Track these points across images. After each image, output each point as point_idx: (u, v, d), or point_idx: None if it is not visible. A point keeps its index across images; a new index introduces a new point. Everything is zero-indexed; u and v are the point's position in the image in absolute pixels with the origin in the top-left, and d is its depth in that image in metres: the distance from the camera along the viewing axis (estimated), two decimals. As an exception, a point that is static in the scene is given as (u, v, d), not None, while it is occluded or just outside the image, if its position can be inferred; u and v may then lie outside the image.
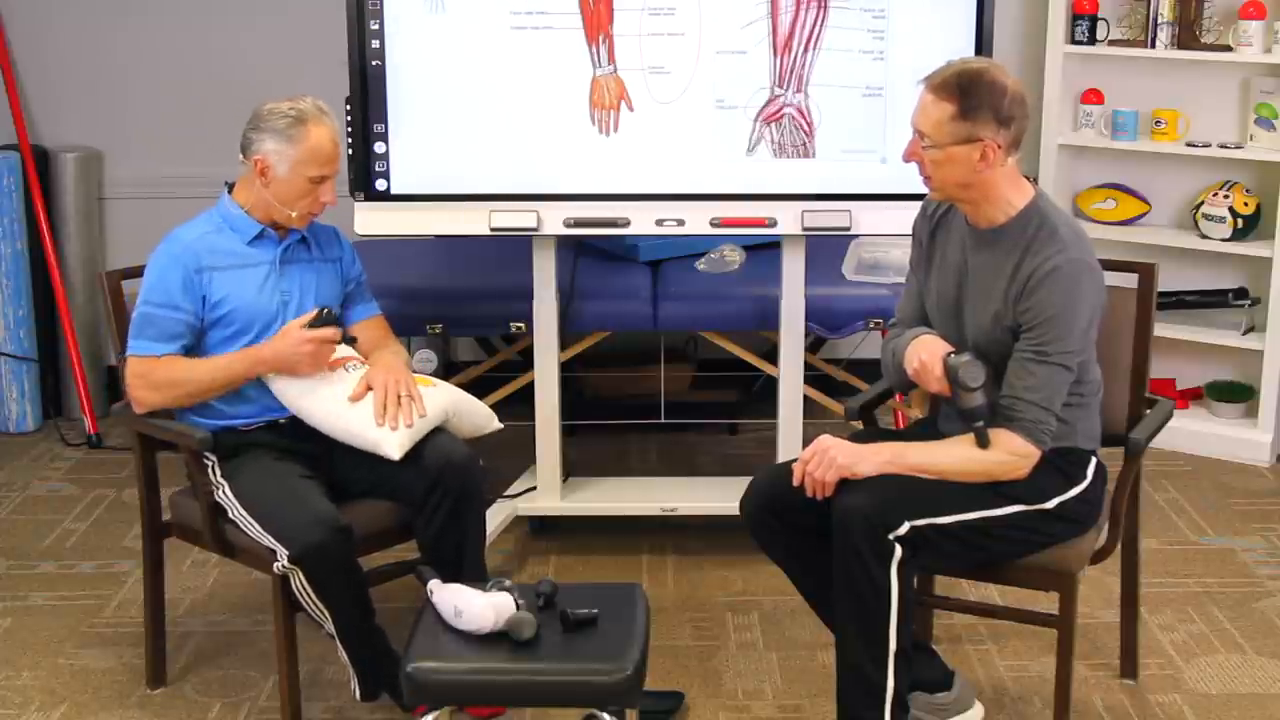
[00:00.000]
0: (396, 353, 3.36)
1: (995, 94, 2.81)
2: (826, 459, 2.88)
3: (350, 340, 3.27)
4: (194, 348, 3.23)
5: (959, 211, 3.00)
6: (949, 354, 2.90)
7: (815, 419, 4.16)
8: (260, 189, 3.23)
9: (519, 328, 4.10)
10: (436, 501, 3.18)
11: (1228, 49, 4.62)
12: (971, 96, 2.80)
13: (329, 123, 3.23)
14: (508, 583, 2.78)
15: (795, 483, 2.92)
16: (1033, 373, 2.84)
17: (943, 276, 3.04)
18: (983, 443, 2.87)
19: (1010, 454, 2.86)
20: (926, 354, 2.94)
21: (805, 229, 3.74)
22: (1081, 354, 2.88)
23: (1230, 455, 4.74)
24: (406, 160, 3.72)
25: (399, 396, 3.19)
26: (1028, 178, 2.96)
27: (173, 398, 3.21)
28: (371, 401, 3.19)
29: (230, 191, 3.31)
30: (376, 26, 3.65)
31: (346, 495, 3.22)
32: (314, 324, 3.19)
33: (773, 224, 3.74)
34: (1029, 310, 2.84)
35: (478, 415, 3.39)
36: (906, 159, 2.92)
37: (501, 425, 3.45)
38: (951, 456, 2.89)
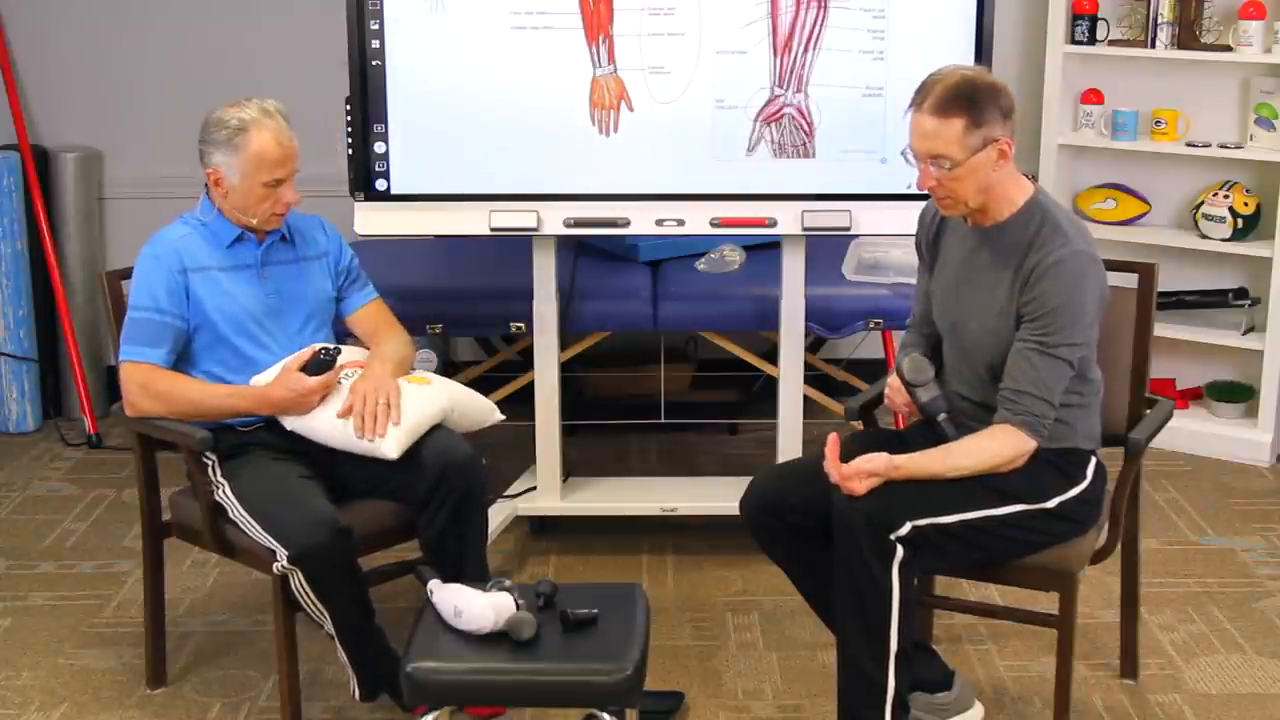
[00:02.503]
0: (385, 359, 3.31)
1: (991, 92, 2.83)
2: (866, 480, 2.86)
3: (336, 353, 3.25)
4: (183, 351, 3.23)
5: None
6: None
7: (815, 419, 4.16)
8: (221, 199, 3.24)
9: (519, 328, 4.10)
10: (439, 501, 3.18)
11: (1228, 49, 4.62)
12: (976, 104, 2.81)
13: (273, 124, 3.18)
14: (508, 583, 2.78)
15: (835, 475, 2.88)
16: (1034, 365, 2.84)
17: (945, 276, 3.05)
18: (949, 435, 2.93)
19: (1006, 447, 2.86)
20: (891, 378, 3.09)
21: (805, 229, 3.74)
22: (1084, 348, 2.88)
23: (1230, 455, 4.74)
24: (406, 160, 3.72)
25: (375, 406, 3.15)
26: (1027, 175, 2.97)
27: (168, 410, 3.19)
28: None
29: (209, 194, 3.30)
30: (376, 26, 3.65)
31: (348, 495, 3.22)
32: (311, 366, 3.18)
33: (773, 224, 3.74)
34: (1032, 301, 2.85)
35: (478, 409, 3.38)
36: (922, 188, 2.91)
37: (503, 416, 3.45)
38: (959, 469, 2.88)
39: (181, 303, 3.20)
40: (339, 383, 3.22)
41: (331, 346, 3.23)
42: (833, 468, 2.86)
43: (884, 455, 2.86)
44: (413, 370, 3.38)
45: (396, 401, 3.18)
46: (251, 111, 3.19)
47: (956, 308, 3.01)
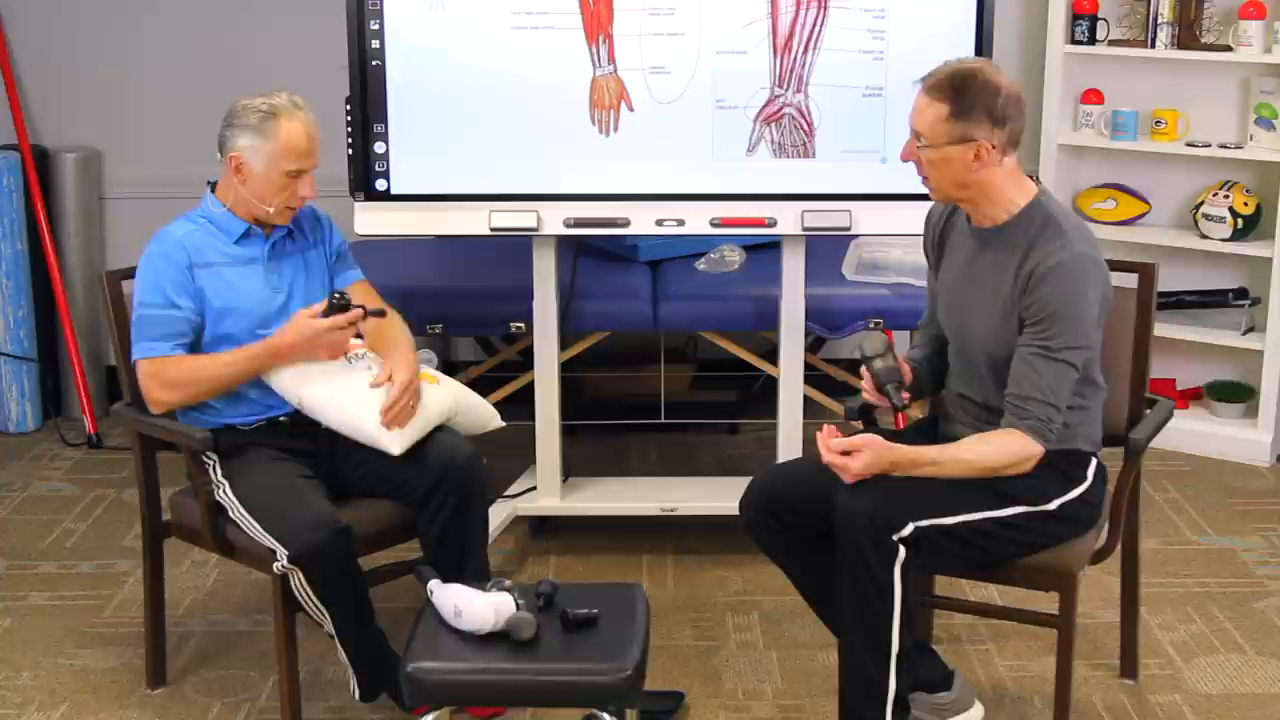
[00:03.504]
0: (410, 347, 3.32)
1: (989, 94, 2.82)
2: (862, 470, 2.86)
3: (349, 299, 3.24)
4: (194, 345, 3.23)
5: (963, 213, 3.01)
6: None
7: (815, 419, 4.15)
8: (238, 186, 3.23)
9: (519, 328, 4.10)
10: (441, 499, 3.18)
11: (1228, 49, 4.62)
12: (965, 97, 2.81)
13: (303, 116, 3.20)
14: (508, 583, 2.78)
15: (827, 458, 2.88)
16: (1038, 370, 2.83)
17: (949, 277, 3.05)
18: (896, 403, 2.96)
19: (1014, 452, 2.85)
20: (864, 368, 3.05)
21: (805, 229, 3.74)
22: (1088, 350, 2.88)
23: (1230, 455, 4.74)
24: (406, 160, 3.72)
25: (408, 404, 3.17)
26: (1032, 176, 2.97)
27: (189, 395, 3.19)
28: (373, 395, 3.18)
29: (214, 190, 3.30)
30: (376, 26, 3.65)
31: (348, 494, 3.23)
32: (328, 312, 3.18)
33: (773, 224, 3.74)
34: (1033, 305, 2.84)
35: (480, 414, 3.39)
36: (904, 159, 2.94)
37: (504, 423, 3.45)
38: (963, 463, 2.87)
39: (189, 298, 3.20)
40: (348, 361, 3.22)
41: (345, 292, 3.23)
42: (826, 450, 2.85)
43: (879, 439, 2.86)
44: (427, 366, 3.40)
45: (416, 405, 3.19)
46: (281, 101, 3.20)
47: (960, 309, 3.01)
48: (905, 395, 3.01)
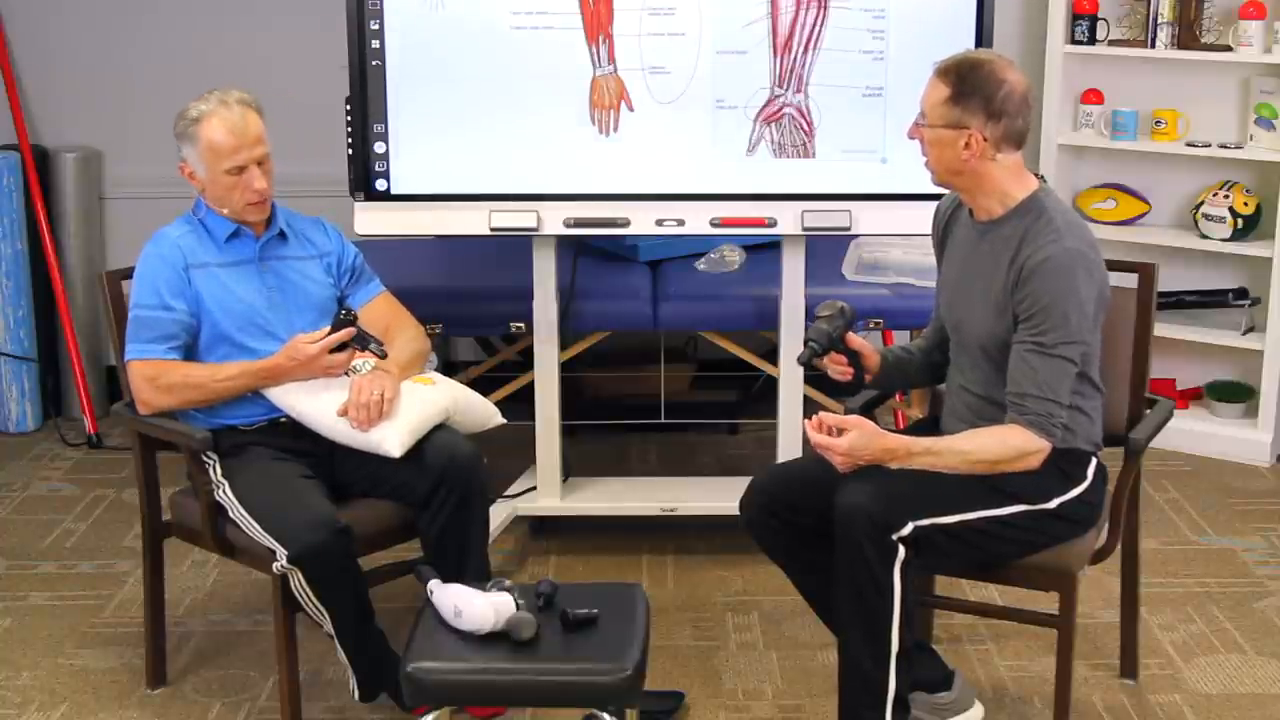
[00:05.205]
0: (391, 361, 3.29)
1: (990, 85, 2.82)
2: (856, 458, 2.86)
3: (354, 316, 3.24)
4: (189, 347, 3.23)
5: (967, 207, 3.01)
6: None
7: (815, 419, 4.16)
8: (200, 192, 3.25)
9: (519, 328, 4.10)
10: (441, 499, 3.18)
11: (1228, 49, 4.62)
12: (966, 83, 2.82)
13: (226, 113, 3.18)
14: (508, 583, 2.78)
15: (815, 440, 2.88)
16: (1034, 366, 2.83)
17: (950, 271, 3.07)
18: (800, 360, 3.01)
19: (1014, 446, 2.84)
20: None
21: (805, 229, 3.75)
22: (1084, 345, 2.87)
23: (1230, 455, 4.74)
24: (406, 160, 3.72)
25: (369, 398, 3.14)
26: (1038, 175, 2.97)
27: (181, 401, 3.20)
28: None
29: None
30: (376, 26, 3.65)
31: (348, 495, 3.23)
32: (332, 330, 3.19)
33: (773, 224, 3.74)
34: (1024, 300, 2.84)
35: (479, 412, 3.39)
36: (908, 136, 2.96)
37: (504, 420, 3.45)
38: (960, 453, 2.88)
39: (186, 298, 3.21)
40: (347, 373, 3.22)
41: (351, 309, 3.24)
42: (814, 432, 2.85)
43: (871, 422, 2.85)
44: (426, 367, 3.39)
45: (392, 398, 3.17)
46: (209, 104, 3.20)
47: (958, 303, 3.02)
48: (844, 370, 3.04)
